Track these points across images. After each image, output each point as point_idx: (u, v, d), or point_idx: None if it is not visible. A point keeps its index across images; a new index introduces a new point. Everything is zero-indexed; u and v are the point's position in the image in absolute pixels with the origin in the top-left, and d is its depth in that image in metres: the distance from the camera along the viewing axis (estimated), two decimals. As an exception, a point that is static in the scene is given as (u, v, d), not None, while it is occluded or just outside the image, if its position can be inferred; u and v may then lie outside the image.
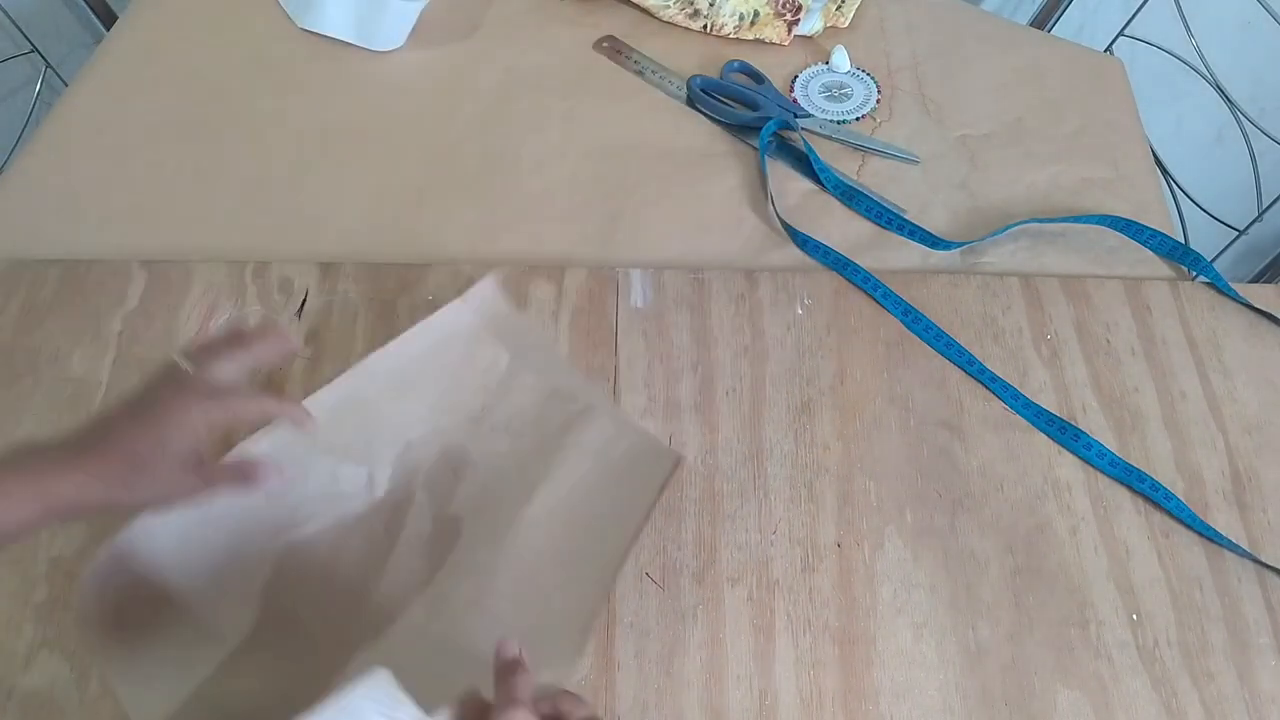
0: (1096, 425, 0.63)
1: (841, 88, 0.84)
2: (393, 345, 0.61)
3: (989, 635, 0.55)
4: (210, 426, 0.48)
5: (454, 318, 0.64)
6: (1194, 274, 0.71)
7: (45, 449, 0.45)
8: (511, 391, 0.63)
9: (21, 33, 1.10)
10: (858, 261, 0.70)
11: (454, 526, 0.58)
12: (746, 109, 0.82)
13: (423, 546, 0.57)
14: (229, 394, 0.48)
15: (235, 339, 0.50)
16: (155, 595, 0.51)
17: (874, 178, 0.77)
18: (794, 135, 0.79)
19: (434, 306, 0.67)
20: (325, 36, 0.87)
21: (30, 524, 0.43)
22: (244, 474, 0.50)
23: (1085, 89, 0.84)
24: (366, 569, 0.56)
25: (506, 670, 0.43)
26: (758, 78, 0.84)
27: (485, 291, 0.66)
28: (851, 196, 0.75)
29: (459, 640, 0.53)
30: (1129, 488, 0.60)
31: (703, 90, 0.82)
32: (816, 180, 0.77)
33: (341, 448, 0.58)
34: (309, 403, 0.57)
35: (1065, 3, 1.10)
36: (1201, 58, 0.99)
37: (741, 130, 0.81)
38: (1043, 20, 1.12)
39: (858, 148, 0.79)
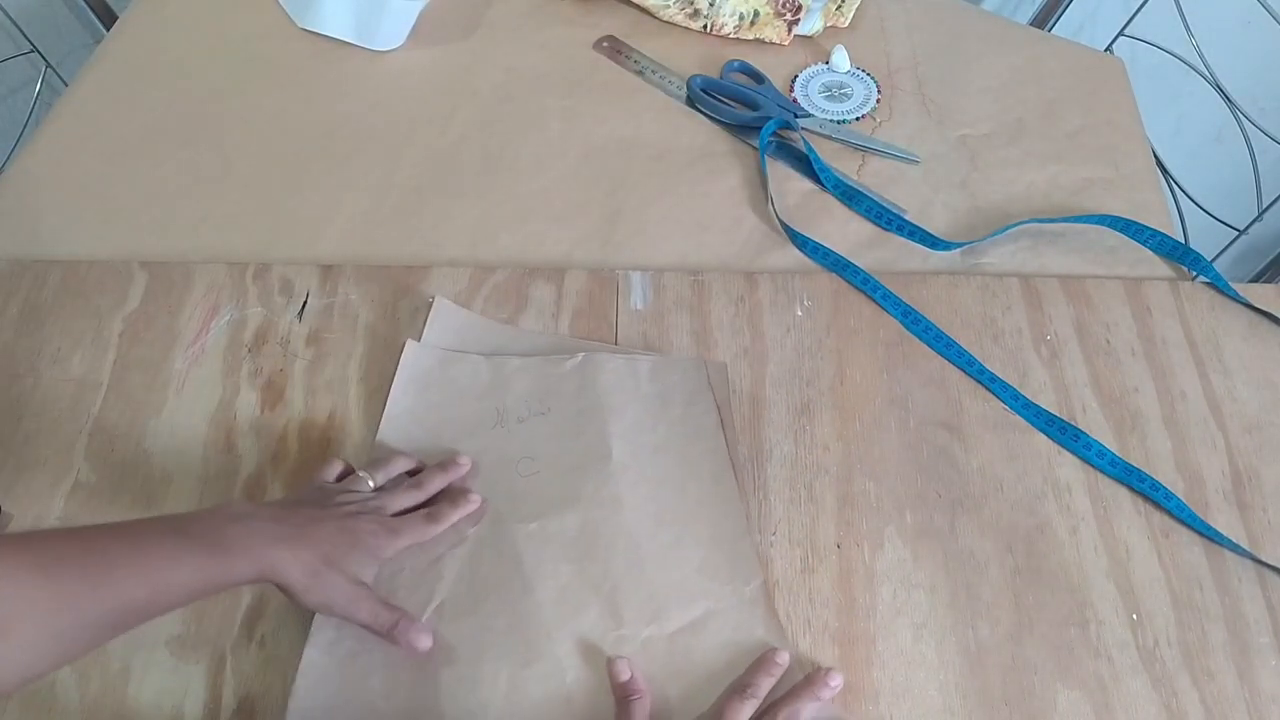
0: (1096, 425, 0.63)
1: (841, 87, 0.84)
2: (385, 417, 0.62)
3: (989, 635, 0.55)
4: (386, 558, 0.54)
5: (415, 359, 0.64)
6: (1194, 274, 0.71)
7: (262, 520, 0.50)
8: (509, 383, 0.63)
9: (21, 33, 1.10)
10: (857, 262, 0.70)
11: (566, 521, 0.58)
12: (746, 109, 0.82)
13: (553, 555, 0.56)
14: (407, 529, 0.55)
15: (417, 483, 0.58)
16: None
17: (874, 178, 0.77)
18: (794, 135, 0.79)
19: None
20: (325, 36, 0.87)
21: (244, 582, 0.50)
22: (405, 631, 0.52)
23: (1085, 89, 0.84)
24: (517, 608, 0.55)
25: (623, 693, 0.52)
26: (758, 77, 0.84)
27: (435, 314, 0.66)
28: (851, 196, 0.75)
29: (645, 610, 0.55)
30: (1129, 488, 0.60)
31: (703, 90, 0.82)
32: (816, 180, 0.77)
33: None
34: None
35: (1065, 3, 1.10)
36: (1201, 57, 0.99)
37: (741, 130, 0.81)
38: (1043, 20, 1.12)
39: (858, 148, 0.79)
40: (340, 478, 0.58)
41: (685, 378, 0.64)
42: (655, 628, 0.54)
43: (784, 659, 0.53)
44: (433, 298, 0.67)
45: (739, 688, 0.51)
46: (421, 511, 0.56)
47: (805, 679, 0.52)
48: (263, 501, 0.53)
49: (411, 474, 0.60)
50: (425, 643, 0.52)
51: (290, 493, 0.57)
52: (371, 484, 0.57)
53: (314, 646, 0.53)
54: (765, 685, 0.52)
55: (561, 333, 0.67)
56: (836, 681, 0.52)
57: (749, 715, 0.50)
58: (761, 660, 0.53)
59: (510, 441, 0.61)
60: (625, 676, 0.52)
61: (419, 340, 0.65)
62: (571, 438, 0.61)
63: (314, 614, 0.53)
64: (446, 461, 0.59)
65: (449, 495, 0.58)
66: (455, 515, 0.57)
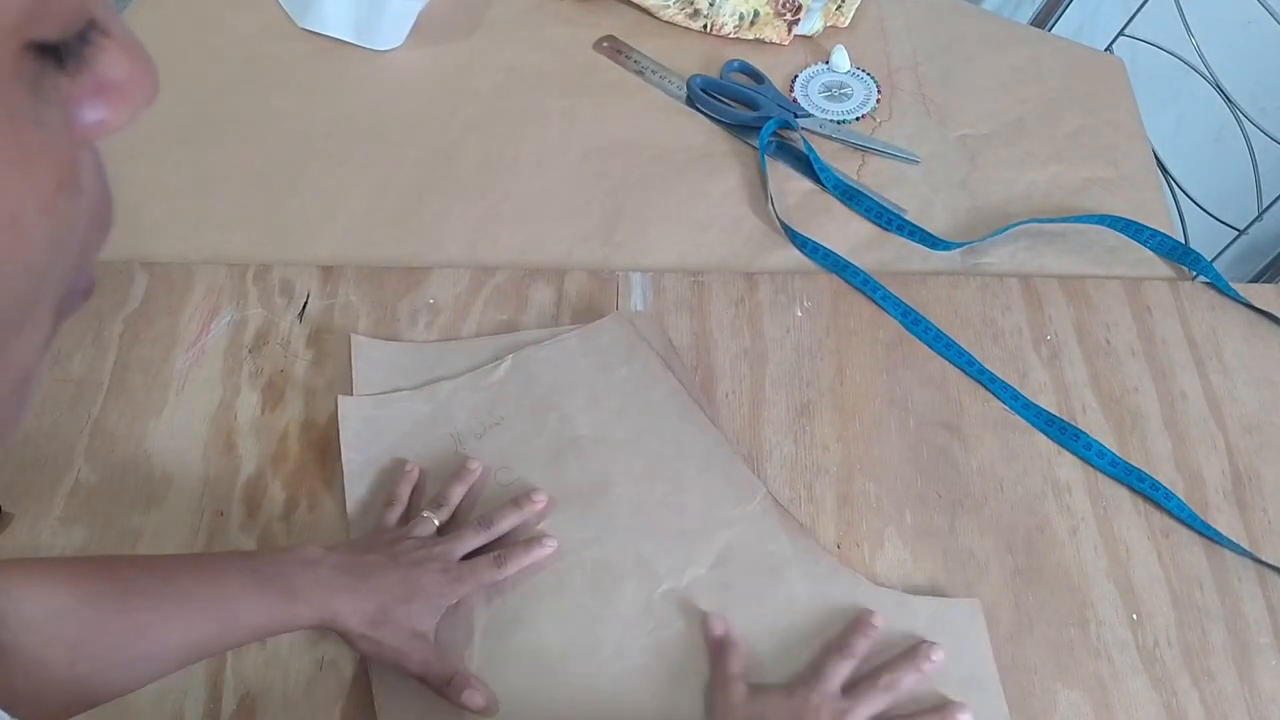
0: (1096, 425, 0.63)
1: (841, 87, 0.84)
2: (346, 476, 0.60)
3: (989, 635, 0.55)
4: (449, 605, 0.53)
5: (353, 412, 0.62)
6: (1194, 274, 0.71)
7: (330, 568, 0.51)
8: (450, 407, 0.63)
9: (21, 33, 1.10)
10: (857, 262, 0.70)
11: (568, 511, 0.58)
12: (746, 109, 0.82)
13: (571, 546, 0.57)
14: (471, 575, 0.54)
15: (486, 522, 0.56)
16: None
17: (874, 178, 0.77)
18: (794, 135, 0.79)
19: (435, 309, 0.68)
20: (325, 36, 0.87)
21: (306, 626, 0.50)
22: (459, 688, 0.51)
23: (1085, 89, 0.84)
24: (560, 606, 0.56)
25: (717, 648, 0.53)
26: (758, 77, 0.84)
27: (357, 354, 0.65)
28: (851, 196, 0.75)
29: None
30: (1129, 487, 0.60)
31: (703, 90, 0.82)
32: (816, 180, 0.77)
33: None
34: None
35: (1065, 2, 1.10)
36: (1201, 57, 0.99)
37: (741, 130, 0.81)
38: (1043, 20, 1.12)
39: (858, 148, 0.79)
40: (404, 516, 0.57)
41: (614, 338, 0.65)
42: (691, 570, 0.56)
43: (879, 621, 0.53)
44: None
45: (838, 647, 0.52)
46: (489, 555, 0.55)
47: (908, 650, 0.53)
48: (332, 545, 0.53)
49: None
50: (478, 702, 0.51)
51: (358, 537, 0.57)
52: (436, 522, 0.56)
53: (387, 715, 0.52)
54: (863, 646, 0.53)
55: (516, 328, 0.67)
56: (939, 656, 0.52)
57: (847, 674, 0.51)
58: (857, 622, 0.54)
59: (478, 459, 0.60)
60: (720, 632, 0.53)
61: (351, 392, 0.63)
62: (535, 435, 0.61)
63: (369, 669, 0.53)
64: (520, 498, 0.57)
65: (521, 538, 0.57)
66: (525, 560, 0.55)
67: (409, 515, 0.57)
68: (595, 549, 0.57)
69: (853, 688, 0.51)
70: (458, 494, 0.58)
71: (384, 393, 0.63)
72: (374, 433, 0.62)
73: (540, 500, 0.57)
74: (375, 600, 0.50)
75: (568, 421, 0.61)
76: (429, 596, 0.52)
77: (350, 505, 0.59)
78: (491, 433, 0.62)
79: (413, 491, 0.59)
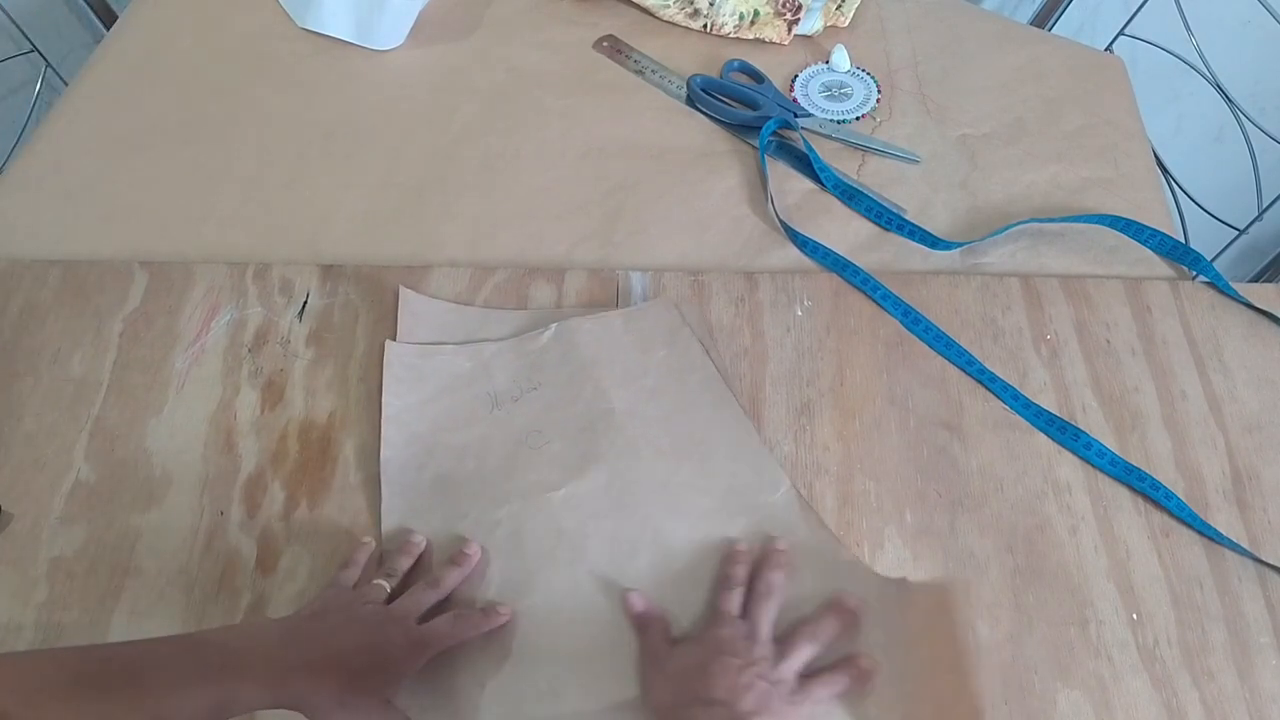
0: (1096, 425, 0.63)
1: (841, 87, 0.84)
2: (384, 419, 0.61)
3: (989, 635, 0.55)
4: (415, 670, 0.51)
5: (397, 358, 0.63)
6: (1194, 273, 0.71)
7: (280, 639, 0.48)
8: (491, 368, 0.64)
9: (22, 33, 1.10)
10: (857, 262, 0.70)
11: (592, 480, 0.59)
12: (746, 108, 0.82)
13: (590, 514, 0.58)
14: (434, 638, 0.52)
15: (434, 582, 0.55)
16: None
17: (874, 177, 0.77)
18: (794, 135, 0.79)
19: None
20: (325, 36, 0.87)
21: (260, 709, 0.46)
22: None
23: (1086, 88, 0.84)
24: (572, 574, 0.56)
25: (640, 623, 0.53)
26: (758, 77, 0.84)
27: (403, 306, 0.66)
28: (851, 196, 0.75)
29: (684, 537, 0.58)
30: (1129, 487, 0.60)
31: (703, 90, 0.82)
32: (816, 180, 0.77)
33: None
34: None
35: (1065, 2, 1.10)
36: (1201, 57, 0.99)
37: (741, 130, 0.81)
38: (1043, 19, 1.12)
39: (858, 147, 0.79)
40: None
41: (659, 320, 0.66)
42: (707, 554, 0.57)
43: (744, 546, 0.56)
44: (399, 288, 0.68)
45: (721, 579, 0.55)
46: (449, 614, 0.53)
47: (829, 603, 0.54)
48: (286, 617, 0.51)
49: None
50: None
51: (313, 598, 0.54)
52: (388, 589, 0.54)
53: None
54: (742, 572, 0.55)
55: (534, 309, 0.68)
56: (854, 602, 0.54)
57: (739, 602, 0.53)
58: (731, 553, 0.56)
59: (512, 421, 0.62)
60: (640, 608, 0.54)
61: (395, 339, 0.65)
62: (570, 403, 0.62)
63: None
64: (456, 555, 0.56)
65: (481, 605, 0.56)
66: (485, 626, 0.54)
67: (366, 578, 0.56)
68: (616, 520, 0.58)
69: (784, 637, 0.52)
70: (404, 566, 0.56)
71: (430, 342, 0.65)
72: (415, 380, 0.63)
73: (474, 552, 0.56)
74: (340, 673, 0.48)
75: (602, 394, 0.62)
76: (396, 663, 0.50)
77: (385, 450, 0.60)
78: (528, 397, 0.63)
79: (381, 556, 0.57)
